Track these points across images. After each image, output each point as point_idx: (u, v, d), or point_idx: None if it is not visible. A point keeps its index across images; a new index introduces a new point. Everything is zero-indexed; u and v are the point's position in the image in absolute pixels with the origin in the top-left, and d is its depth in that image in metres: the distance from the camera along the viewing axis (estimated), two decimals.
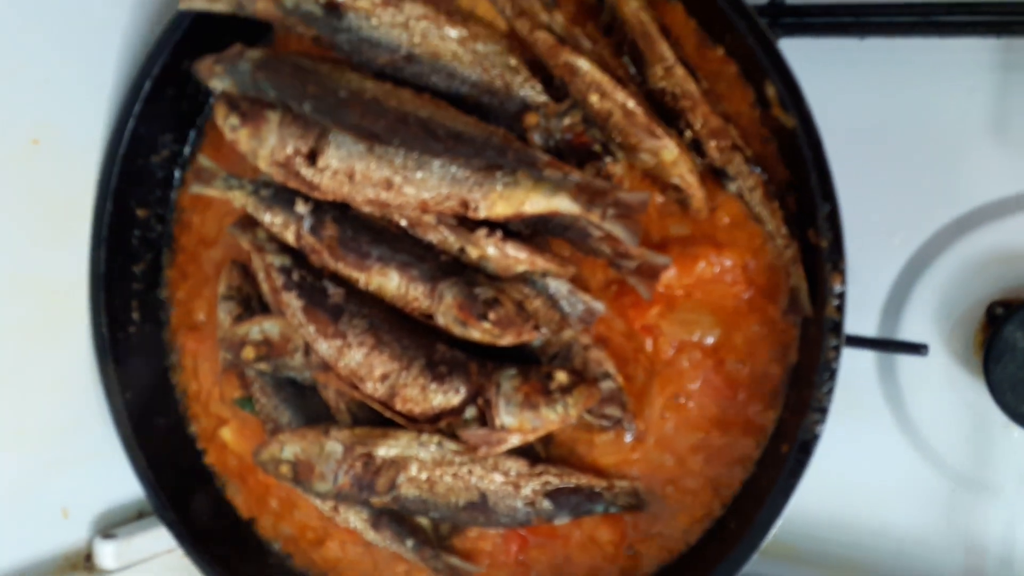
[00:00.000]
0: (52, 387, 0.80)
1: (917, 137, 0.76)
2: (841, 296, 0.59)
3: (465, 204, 0.65)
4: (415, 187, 0.65)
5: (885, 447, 0.78)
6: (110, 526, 0.84)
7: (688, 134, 0.65)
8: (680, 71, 0.64)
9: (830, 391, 0.59)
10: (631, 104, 0.63)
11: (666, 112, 0.65)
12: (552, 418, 0.66)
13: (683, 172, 0.64)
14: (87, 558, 0.82)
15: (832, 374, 0.59)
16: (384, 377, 0.68)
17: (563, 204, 0.63)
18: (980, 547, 0.76)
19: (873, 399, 0.78)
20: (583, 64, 0.63)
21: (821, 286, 0.61)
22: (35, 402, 0.78)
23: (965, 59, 0.74)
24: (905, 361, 0.76)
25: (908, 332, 0.76)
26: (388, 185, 0.65)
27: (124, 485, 0.84)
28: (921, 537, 0.77)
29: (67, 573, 0.80)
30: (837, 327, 0.59)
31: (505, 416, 0.65)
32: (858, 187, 0.71)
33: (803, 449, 0.60)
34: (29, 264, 0.76)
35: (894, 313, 0.77)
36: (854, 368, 0.77)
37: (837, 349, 0.59)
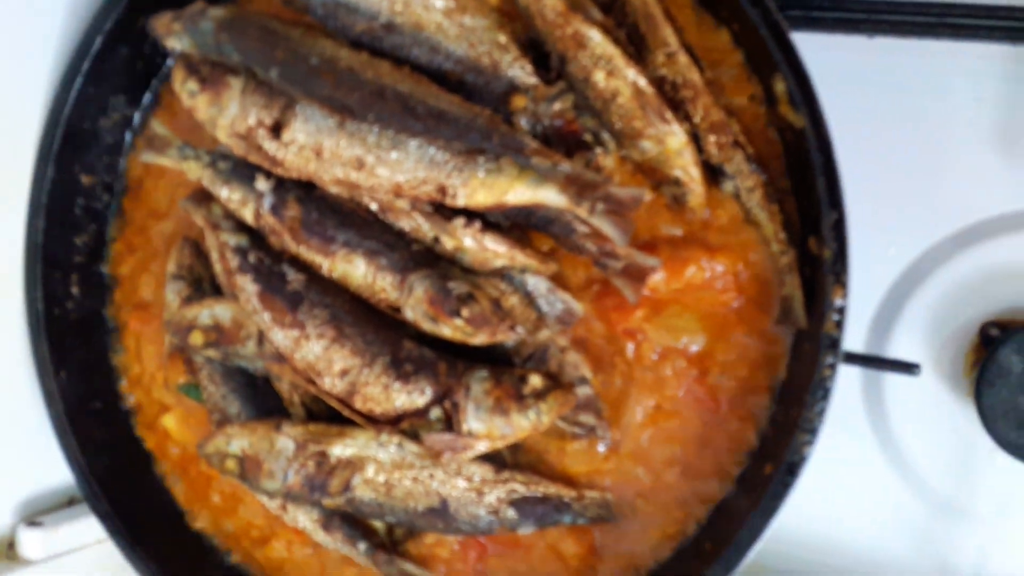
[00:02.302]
0: None
1: (918, 145, 0.73)
2: (842, 311, 0.56)
3: (443, 190, 0.60)
4: (389, 168, 0.60)
5: (864, 467, 0.75)
6: (36, 513, 0.78)
7: (685, 127, 0.61)
8: (683, 58, 0.60)
9: (822, 412, 0.56)
10: (642, 83, 0.59)
11: (664, 103, 0.61)
12: (524, 425, 0.61)
13: (687, 164, 0.60)
14: (9, 546, 0.76)
15: (826, 393, 0.56)
16: (344, 373, 0.63)
17: (550, 196, 0.58)
18: (952, 574, 0.74)
19: (855, 417, 0.75)
20: (595, 35, 0.58)
21: (820, 299, 0.57)
22: None
23: (974, 67, 0.70)
24: (891, 379, 0.74)
25: (897, 349, 0.73)
26: (359, 165, 0.60)
27: (53, 470, 0.78)
28: (894, 561, 0.75)
29: None
30: (835, 344, 0.56)
31: (473, 421, 0.61)
32: (853, 195, 0.68)
33: (789, 471, 0.57)
34: None
35: (883, 328, 0.74)
36: (837, 384, 0.74)
37: (833, 367, 0.56)
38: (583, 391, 0.64)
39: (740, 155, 0.61)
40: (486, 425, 0.61)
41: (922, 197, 0.73)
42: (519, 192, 0.59)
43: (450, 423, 0.62)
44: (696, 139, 0.61)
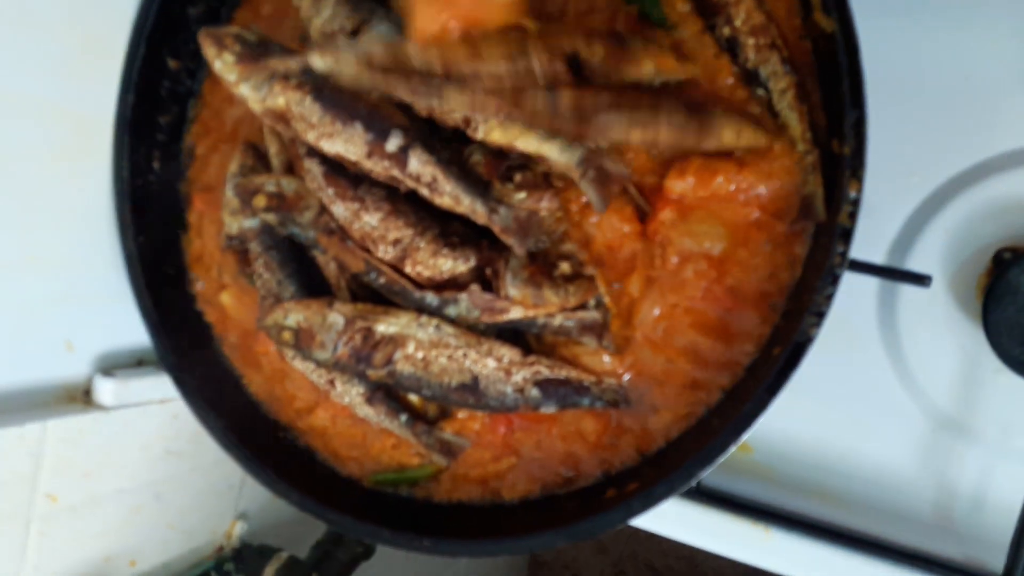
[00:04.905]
0: (68, 221, 0.81)
1: (951, 79, 0.76)
2: (855, 203, 0.60)
3: (467, 122, 0.66)
4: None
5: (874, 380, 0.79)
6: (110, 368, 0.86)
7: (727, 31, 0.65)
8: None
9: (830, 296, 0.60)
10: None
11: (707, 7, 0.65)
12: (552, 300, 0.67)
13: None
14: (86, 393, 0.84)
15: (835, 279, 0.60)
16: (397, 242, 0.70)
17: (552, 153, 0.65)
18: (952, 488, 0.77)
19: (869, 332, 0.79)
20: None
21: (838, 193, 0.61)
22: (51, 232, 0.79)
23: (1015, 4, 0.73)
24: (905, 297, 0.77)
25: (914, 268, 0.77)
26: None
27: (126, 331, 0.86)
28: (895, 471, 0.79)
29: (65, 404, 0.82)
30: (847, 234, 0.60)
31: (510, 287, 0.67)
32: (884, 121, 0.71)
33: (796, 350, 0.61)
34: (60, 93, 0.77)
35: (902, 250, 0.78)
36: (854, 297, 0.78)
37: (844, 256, 0.60)
38: (589, 315, 0.69)
39: (776, 56, 0.65)
40: (521, 292, 0.67)
41: (950, 128, 0.76)
42: (527, 142, 0.65)
43: (490, 288, 0.68)
44: (734, 44, 0.66)
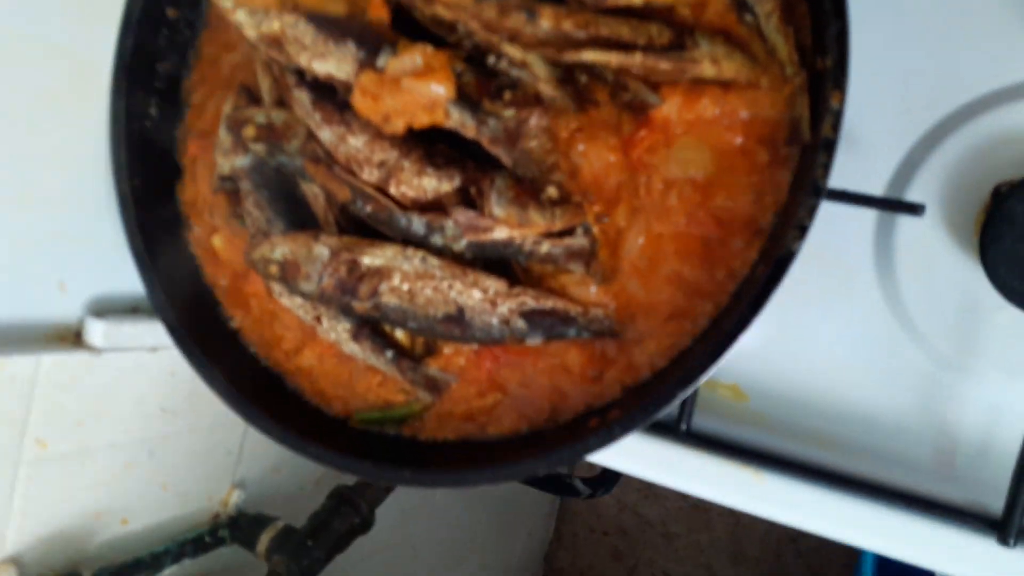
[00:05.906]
0: (64, 161, 0.82)
1: (950, 11, 0.74)
2: (838, 115, 0.59)
3: (453, 27, 0.66)
4: None
5: (871, 321, 0.77)
6: (102, 311, 0.87)
7: None
8: None
9: (813, 208, 0.59)
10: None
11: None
12: (538, 220, 0.67)
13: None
14: (77, 335, 0.84)
15: (818, 191, 0.59)
16: (382, 164, 0.70)
17: (535, 63, 0.65)
18: (953, 432, 0.75)
19: (865, 273, 0.77)
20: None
21: (821, 106, 0.60)
22: (46, 171, 0.81)
23: None
24: (903, 235, 0.76)
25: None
26: None
27: (121, 278, 0.87)
28: (893, 415, 0.76)
29: (56, 343, 0.82)
30: (830, 145, 0.59)
31: (495, 207, 0.66)
32: (880, 55, 0.70)
33: (779, 265, 0.60)
34: (60, 34, 0.79)
35: (899, 188, 0.76)
36: (849, 236, 0.76)
37: (826, 168, 0.59)
38: (577, 241, 0.69)
39: None
40: (506, 211, 0.66)
41: (947, 60, 0.74)
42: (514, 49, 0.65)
43: (475, 207, 0.68)
44: None
